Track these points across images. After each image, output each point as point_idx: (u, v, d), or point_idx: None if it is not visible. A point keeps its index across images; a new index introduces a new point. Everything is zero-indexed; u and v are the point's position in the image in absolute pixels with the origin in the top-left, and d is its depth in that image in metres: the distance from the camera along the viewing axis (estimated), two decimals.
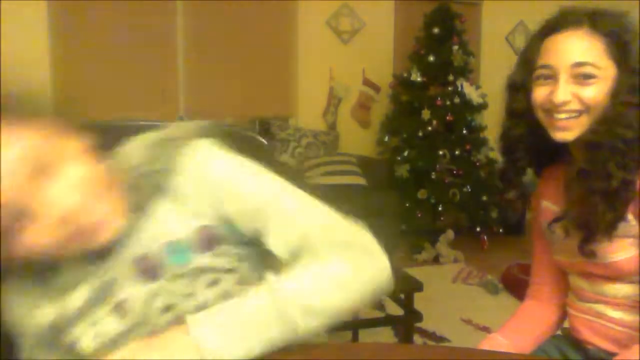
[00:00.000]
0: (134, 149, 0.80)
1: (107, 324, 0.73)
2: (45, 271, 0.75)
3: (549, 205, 1.12)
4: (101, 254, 0.74)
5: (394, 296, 2.36)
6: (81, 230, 0.69)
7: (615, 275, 1.00)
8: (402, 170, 4.20)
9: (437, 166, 4.13)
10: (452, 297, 3.23)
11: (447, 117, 4.15)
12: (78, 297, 0.74)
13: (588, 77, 0.96)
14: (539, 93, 1.01)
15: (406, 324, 2.32)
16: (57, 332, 0.75)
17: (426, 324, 2.57)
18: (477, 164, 4.27)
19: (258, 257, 0.80)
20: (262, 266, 0.79)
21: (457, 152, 4.16)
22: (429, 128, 4.17)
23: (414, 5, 4.68)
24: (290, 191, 0.80)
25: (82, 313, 0.74)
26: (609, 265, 0.99)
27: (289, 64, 4.54)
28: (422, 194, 4.11)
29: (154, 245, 0.74)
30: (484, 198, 4.24)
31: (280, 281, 0.69)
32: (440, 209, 4.09)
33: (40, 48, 3.73)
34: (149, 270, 0.73)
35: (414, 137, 4.21)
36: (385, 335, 2.61)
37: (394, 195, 4.05)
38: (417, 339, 2.55)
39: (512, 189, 1.12)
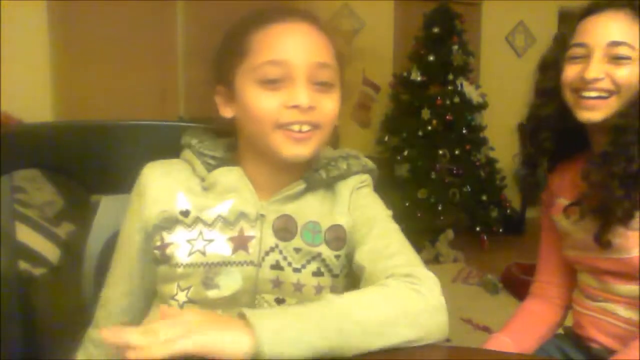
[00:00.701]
0: (326, 150, 0.93)
1: (217, 246, 0.82)
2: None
3: (563, 201, 1.10)
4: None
5: None
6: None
7: (628, 273, 0.99)
8: (402, 170, 4.20)
9: (437, 166, 4.13)
10: (452, 296, 3.18)
11: (447, 117, 4.16)
12: (219, 209, 0.84)
13: (623, 57, 0.95)
14: (570, 71, 0.99)
15: None
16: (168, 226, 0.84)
17: None
18: (477, 163, 4.27)
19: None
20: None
21: (457, 152, 4.16)
22: (429, 128, 4.17)
23: (414, 5, 4.68)
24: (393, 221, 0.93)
25: (210, 224, 0.84)
26: (623, 262, 0.98)
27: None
28: (422, 194, 4.12)
29: (301, 216, 0.85)
30: (484, 198, 4.25)
31: (343, 296, 0.73)
32: (440, 208, 4.09)
33: (40, 48, 3.72)
34: (285, 230, 0.84)
35: (414, 137, 4.21)
36: None
37: (394, 195, 4.05)
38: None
39: (533, 172, 1.11)
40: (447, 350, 0.87)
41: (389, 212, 0.94)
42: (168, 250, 0.83)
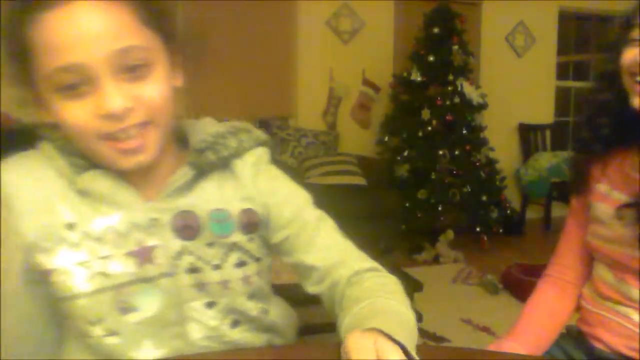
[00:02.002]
0: (208, 124, 0.83)
1: (119, 263, 0.71)
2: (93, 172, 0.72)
3: (606, 189, 1.07)
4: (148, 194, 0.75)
5: None
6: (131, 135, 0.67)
7: None
8: (402, 170, 4.20)
9: (437, 166, 4.13)
10: (452, 297, 3.23)
11: (447, 117, 4.15)
12: (106, 222, 0.72)
13: None
14: (629, 54, 0.94)
15: None
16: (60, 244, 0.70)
17: (426, 324, 2.57)
18: (477, 164, 4.27)
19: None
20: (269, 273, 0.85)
21: (457, 152, 4.16)
22: (429, 128, 4.17)
23: (414, 5, 4.68)
24: (327, 217, 0.88)
25: (100, 239, 0.71)
26: None
27: (289, 64, 4.53)
28: (422, 194, 4.11)
29: (201, 207, 0.76)
30: (484, 198, 4.24)
31: (383, 301, 0.75)
32: (440, 209, 4.09)
33: None
34: (188, 227, 0.75)
35: (414, 137, 4.21)
36: None
37: (394, 195, 4.05)
38: (417, 339, 2.55)
39: (584, 156, 1.08)
40: (447, 350, 0.87)
41: (308, 197, 0.88)
42: (55, 279, 0.69)
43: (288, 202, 0.84)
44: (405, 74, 4.36)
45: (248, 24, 4.31)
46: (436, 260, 3.94)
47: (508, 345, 1.10)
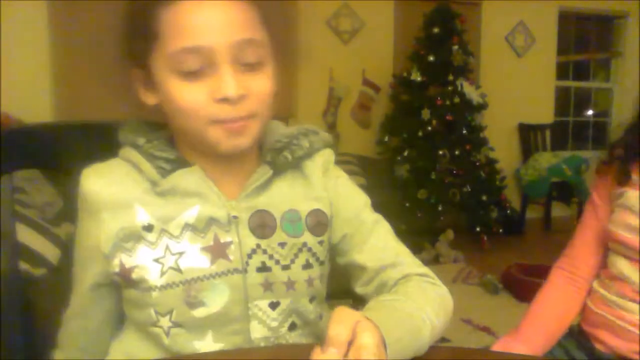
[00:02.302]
0: (280, 126, 0.87)
1: (192, 259, 0.74)
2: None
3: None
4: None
5: None
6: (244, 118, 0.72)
7: None
8: (402, 170, 4.20)
9: (437, 166, 4.13)
10: (452, 297, 3.22)
11: (447, 117, 4.16)
12: (185, 218, 0.75)
13: None
14: None
15: None
16: (134, 239, 0.75)
17: None
18: (477, 164, 4.27)
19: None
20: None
21: (457, 152, 4.16)
22: (429, 128, 4.17)
23: (414, 5, 4.68)
24: (384, 220, 0.89)
25: (177, 236, 0.75)
26: None
27: (289, 64, 4.53)
28: (422, 194, 4.11)
29: (276, 207, 0.79)
30: (484, 198, 4.24)
31: (404, 301, 0.75)
32: (440, 209, 4.09)
33: (40, 48, 3.72)
34: (263, 226, 0.78)
35: (414, 137, 4.21)
36: None
37: (394, 195, 4.05)
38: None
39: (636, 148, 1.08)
40: (447, 350, 0.87)
41: (367, 200, 0.89)
42: (134, 275, 0.74)
43: (349, 201, 0.86)
44: (405, 74, 4.36)
45: None
46: (436, 260, 3.93)
47: (513, 346, 1.10)
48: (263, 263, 0.77)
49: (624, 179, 1.10)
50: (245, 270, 0.76)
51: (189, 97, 0.70)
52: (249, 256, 0.77)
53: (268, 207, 0.79)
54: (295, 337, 0.81)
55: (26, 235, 2.03)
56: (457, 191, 4.15)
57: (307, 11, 4.52)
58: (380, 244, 0.85)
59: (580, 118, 5.94)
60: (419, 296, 0.77)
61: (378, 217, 0.88)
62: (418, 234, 4.10)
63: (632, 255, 1.04)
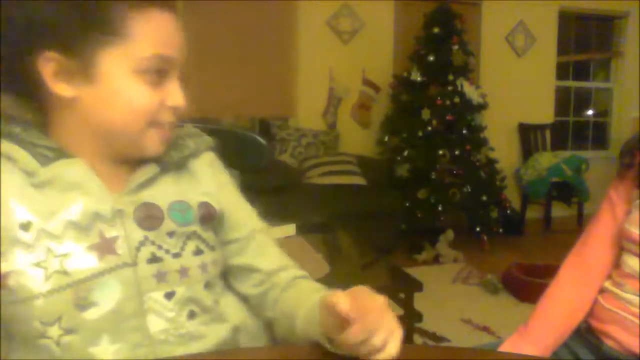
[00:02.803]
0: None
1: (79, 259, 0.71)
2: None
3: None
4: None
5: (394, 296, 2.36)
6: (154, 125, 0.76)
7: None
8: (402, 170, 4.20)
9: (437, 166, 4.13)
10: (452, 297, 3.23)
11: (447, 117, 4.16)
12: (67, 215, 0.72)
13: None
14: None
15: (406, 324, 2.32)
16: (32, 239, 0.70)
17: (426, 324, 2.57)
18: (477, 164, 4.27)
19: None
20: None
21: (457, 152, 4.16)
22: (429, 128, 4.17)
23: (414, 5, 4.68)
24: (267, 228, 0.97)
25: (59, 236, 0.71)
26: None
27: (289, 64, 4.54)
28: (422, 194, 4.11)
29: (161, 199, 0.80)
30: (484, 198, 4.24)
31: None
32: (440, 209, 4.09)
33: None
34: (150, 218, 0.78)
35: (414, 137, 4.21)
36: None
37: (394, 195, 4.05)
38: (417, 339, 2.55)
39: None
40: (447, 350, 0.87)
41: (253, 208, 0.96)
42: (10, 281, 0.68)
43: (240, 207, 0.92)
44: (405, 74, 4.36)
45: (248, 23, 4.31)
46: (436, 260, 3.94)
47: (521, 346, 1.10)
48: (153, 254, 0.76)
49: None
50: (135, 263, 0.75)
51: (145, 99, 0.74)
52: (137, 249, 0.75)
53: (153, 200, 0.79)
54: (195, 325, 0.80)
55: None
56: (457, 191, 4.15)
57: (307, 11, 4.53)
58: (270, 249, 0.93)
59: (580, 118, 5.94)
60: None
61: (265, 224, 0.95)
62: (418, 234, 4.10)
63: None
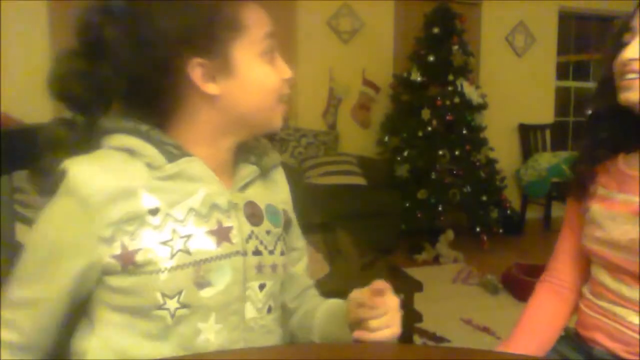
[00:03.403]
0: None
1: (199, 242, 0.79)
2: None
3: (602, 190, 1.07)
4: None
5: None
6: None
7: None
8: (402, 170, 4.20)
9: (437, 166, 4.13)
10: (452, 297, 3.23)
11: (447, 117, 4.16)
12: (189, 203, 0.80)
13: None
14: (617, 58, 0.97)
15: (406, 324, 2.32)
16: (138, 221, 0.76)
17: (426, 324, 2.57)
18: (477, 164, 4.27)
19: None
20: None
21: (457, 152, 4.16)
22: (429, 128, 4.17)
23: (414, 5, 4.68)
24: None
25: (182, 220, 0.79)
26: None
27: (289, 64, 4.53)
28: (422, 194, 4.12)
29: (259, 200, 0.89)
30: (484, 198, 4.24)
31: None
32: (440, 209, 4.09)
33: (40, 48, 3.72)
34: (254, 215, 0.86)
35: (414, 137, 4.21)
36: None
37: (394, 195, 4.05)
38: (417, 339, 2.56)
39: (589, 163, 1.08)
40: (447, 350, 0.87)
41: None
42: (138, 257, 0.75)
43: (295, 222, 1.01)
44: (405, 74, 4.36)
45: None
46: (436, 260, 3.94)
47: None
48: (256, 247, 0.85)
49: (581, 195, 1.11)
50: (245, 253, 0.83)
51: (272, 77, 0.83)
52: (246, 241, 0.84)
53: (255, 199, 0.88)
54: (270, 320, 0.89)
55: (26, 236, 2.03)
56: (457, 191, 4.15)
57: (307, 11, 4.53)
58: (307, 266, 1.03)
59: (580, 118, 5.93)
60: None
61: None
62: (418, 234, 4.10)
63: (610, 266, 1.04)
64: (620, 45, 0.98)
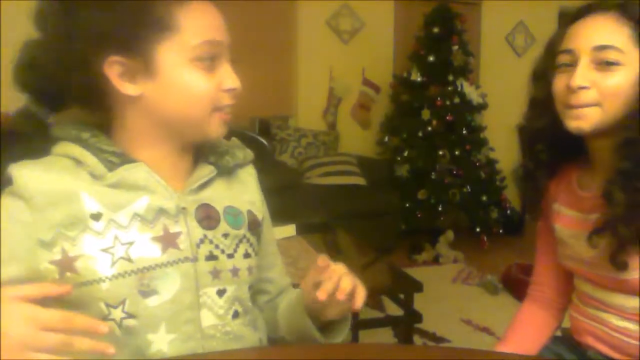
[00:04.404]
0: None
1: (143, 249, 0.76)
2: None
3: (561, 208, 1.08)
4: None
5: (394, 297, 2.36)
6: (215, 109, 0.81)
7: (627, 290, 0.97)
8: (402, 170, 4.20)
9: (437, 166, 4.13)
10: (452, 297, 3.23)
11: (447, 117, 4.16)
12: (133, 209, 0.77)
13: (611, 63, 0.89)
14: (559, 81, 0.94)
15: (406, 324, 2.32)
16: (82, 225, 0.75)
17: (426, 325, 2.57)
18: (477, 164, 4.27)
19: None
20: None
21: (457, 152, 4.16)
22: (429, 128, 4.17)
23: (414, 5, 4.68)
24: None
25: (125, 227, 0.76)
26: (623, 282, 0.95)
27: (289, 64, 4.53)
28: (422, 194, 4.11)
29: (217, 202, 0.86)
30: (484, 198, 4.24)
31: None
32: (440, 209, 4.09)
33: None
34: (208, 218, 0.83)
35: (414, 137, 4.21)
36: (385, 336, 2.60)
37: (394, 195, 4.05)
38: (417, 339, 2.56)
39: (531, 183, 1.08)
40: (447, 350, 0.87)
41: None
42: (77, 264, 0.73)
43: (268, 223, 0.99)
44: (405, 74, 4.36)
45: (248, 23, 4.31)
46: (436, 260, 3.93)
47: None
48: (210, 252, 0.82)
49: (534, 211, 1.15)
50: (195, 259, 0.80)
51: (203, 85, 0.78)
52: (198, 246, 0.81)
53: (211, 202, 0.85)
54: (238, 325, 0.85)
55: None
56: (457, 191, 4.15)
57: (307, 11, 4.53)
58: (283, 270, 1.03)
59: None
60: None
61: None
62: (418, 234, 4.10)
63: (591, 278, 1.04)
64: (557, 67, 0.95)
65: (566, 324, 1.17)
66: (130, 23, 0.74)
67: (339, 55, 4.64)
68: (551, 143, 1.05)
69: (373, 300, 2.92)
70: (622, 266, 0.93)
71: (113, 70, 0.76)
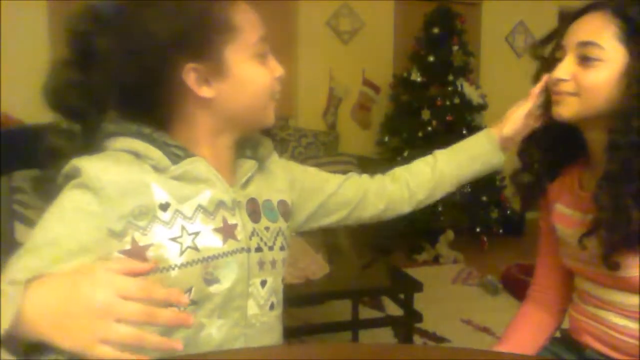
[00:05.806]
0: None
1: (207, 239, 0.80)
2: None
3: (562, 208, 1.09)
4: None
5: (394, 297, 2.36)
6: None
7: (627, 288, 0.97)
8: None
9: None
10: (452, 297, 3.23)
11: (447, 118, 4.15)
12: (196, 201, 0.81)
13: (591, 59, 0.91)
14: (552, 73, 0.98)
15: (406, 324, 2.32)
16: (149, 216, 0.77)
17: (426, 325, 2.57)
18: None
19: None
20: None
21: None
22: (429, 128, 4.17)
23: (414, 5, 4.68)
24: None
25: (190, 217, 0.80)
26: (623, 280, 0.95)
27: (289, 64, 4.54)
28: None
29: (258, 196, 0.90)
30: (484, 198, 4.24)
31: None
32: (440, 209, 4.09)
33: (40, 48, 3.72)
34: (254, 212, 0.88)
35: (414, 138, 4.21)
36: (385, 336, 2.61)
37: None
38: (417, 339, 2.55)
39: (535, 182, 1.10)
40: (447, 350, 0.87)
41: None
42: (150, 253, 0.76)
43: (306, 174, 1.03)
44: (405, 74, 4.36)
45: None
46: (436, 260, 3.94)
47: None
48: (258, 244, 0.87)
49: (527, 206, 1.17)
50: (249, 250, 0.85)
51: (264, 77, 0.84)
52: (250, 237, 0.85)
53: (255, 196, 0.89)
54: (272, 317, 0.90)
55: (26, 235, 2.03)
56: (457, 192, 4.14)
57: (307, 11, 4.53)
58: (337, 179, 1.09)
59: None
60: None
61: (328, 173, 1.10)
62: (418, 234, 4.10)
63: (591, 277, 1.04)
64: (554, 60, 0.99)
65: (564, 324, 1.18)
66: (200, 29, 0.78)
67: (339, 55, 4.64)
68: (552, 143, 1.07)
69: (373, 300, 2.92)
70: (614, 267, 0.93)
71: (190, 77, 0.79)
